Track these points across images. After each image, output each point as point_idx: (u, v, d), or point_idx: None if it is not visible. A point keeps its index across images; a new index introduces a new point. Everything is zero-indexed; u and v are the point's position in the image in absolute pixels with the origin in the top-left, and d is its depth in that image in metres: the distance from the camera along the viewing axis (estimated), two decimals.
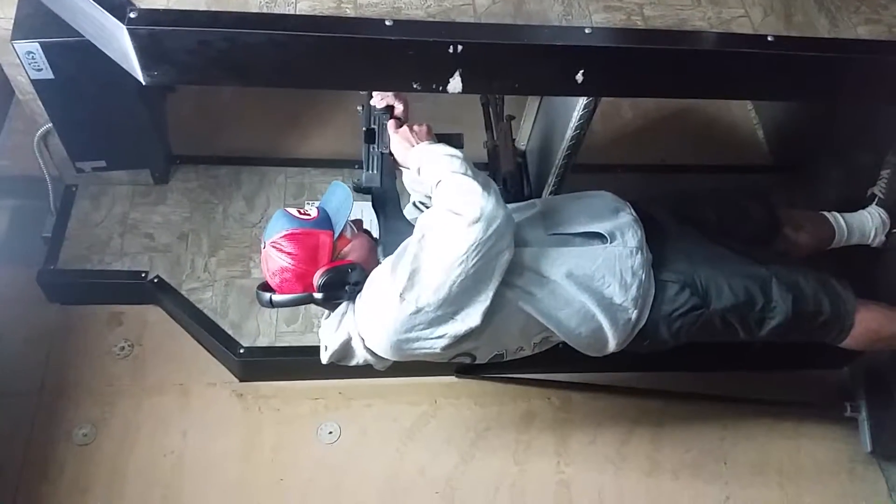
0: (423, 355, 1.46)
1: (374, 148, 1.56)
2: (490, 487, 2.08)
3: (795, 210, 2.03)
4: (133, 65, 1.22)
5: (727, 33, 1.36)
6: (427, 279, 1.35)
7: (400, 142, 1.51)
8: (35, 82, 1.94)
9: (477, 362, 1.56)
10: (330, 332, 1.49)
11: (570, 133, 1.86)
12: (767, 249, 1.87)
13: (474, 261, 1.34)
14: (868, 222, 2.04)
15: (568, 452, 2.15)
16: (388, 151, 1.54)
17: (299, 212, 1.48)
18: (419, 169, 1.46)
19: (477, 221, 1.32)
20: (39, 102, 2.01)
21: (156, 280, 2.19)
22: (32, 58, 1.86)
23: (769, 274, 1.63)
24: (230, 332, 2.13)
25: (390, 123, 1.55)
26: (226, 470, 2.02)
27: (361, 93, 1.60)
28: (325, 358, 1.52)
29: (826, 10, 1.43)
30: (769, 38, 1.34)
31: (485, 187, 1.36)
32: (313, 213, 1.49)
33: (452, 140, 1.53)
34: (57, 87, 1.95)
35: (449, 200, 1.37)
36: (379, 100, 1.57)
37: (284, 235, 1.43)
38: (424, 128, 1.53)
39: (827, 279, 1.70)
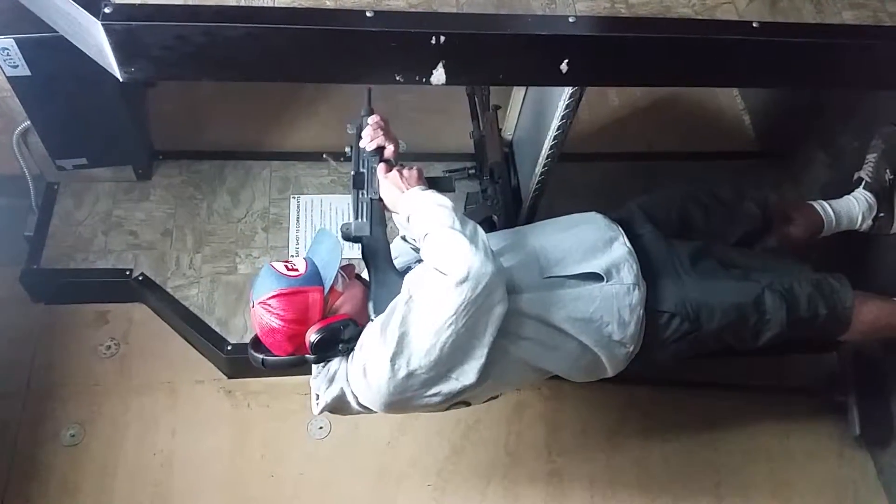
0: (418, 410, 1.45)
1: (363, 194, 1.50)
2: (482, 479, 2.08)
3: (784, 202, 2.02)
4: (109, 61, 1.20)
5: (712, 20, 1.35)
6: (416, 342, 1.32)
7: (390, 187, 1.46)
8: (11, 79, 1.90)
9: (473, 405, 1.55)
10: (322, 385, 1.45)
11: (556, 122, 1.84)
12: (758, 251, 1.85)
13: (464, 320, 1.30)
14: (855, 207, 2.04)
15: (559, 442, 2.15)
16: (377, 197, 1.49)
17: (287, 267, 1.43)
18: (408, 217, 1.42)
19: (464, 282, 1.28)
20: (17, 100, 1.98)
21: (141, 278, 2.17)
22: (7, 54, 1.82)
23: (761, 287, 1.62)
24: (217, 328, 2.11)
25: (380, 167, 1.50)
26: (216, 467, 2.01)
27: (350, 132, 1.56)
28: (317, 409, 1.47)
29: None
30: (754, 25, 1.33)
31: (472, 241, 1.32)
32: (301, 266, 1.43)
33: (442, 183, 1.51)
34: (34, 84, 1.91)
35: (435, 258, 1.33)
36: (369, 141, 1.52)
37: (273, 296, 1.38)
38: (415, 172, 1.48)
39: (822, 278, 1.69)
